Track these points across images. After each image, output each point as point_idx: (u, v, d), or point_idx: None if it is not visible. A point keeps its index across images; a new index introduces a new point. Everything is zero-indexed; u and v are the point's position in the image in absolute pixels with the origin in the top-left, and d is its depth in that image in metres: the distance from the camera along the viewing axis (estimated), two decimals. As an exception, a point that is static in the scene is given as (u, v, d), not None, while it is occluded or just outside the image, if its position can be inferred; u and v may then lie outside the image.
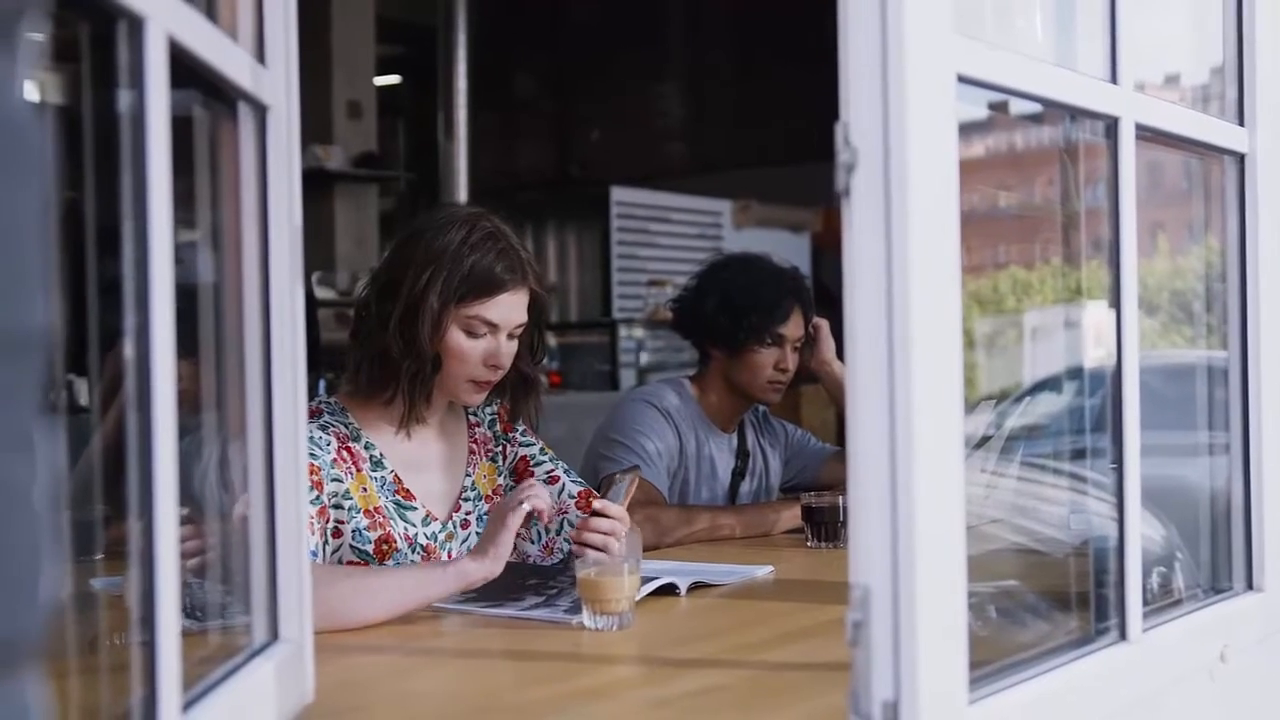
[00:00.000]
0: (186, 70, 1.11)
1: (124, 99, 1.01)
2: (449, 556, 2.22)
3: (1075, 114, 1.55)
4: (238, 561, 1.38)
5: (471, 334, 2.16)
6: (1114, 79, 1.50)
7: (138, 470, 1.00)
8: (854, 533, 1.18)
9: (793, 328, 2.97)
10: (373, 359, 2.17)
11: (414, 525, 2.19)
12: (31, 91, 0.60)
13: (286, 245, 1.37)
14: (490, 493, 2.33)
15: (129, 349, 1.00)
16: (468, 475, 2.31)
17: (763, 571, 2.31)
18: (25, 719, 0.59)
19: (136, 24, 0.98)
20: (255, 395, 1.36)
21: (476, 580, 1.93)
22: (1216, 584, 1.81)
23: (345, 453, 2.15)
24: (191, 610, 1.27)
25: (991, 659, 1.33)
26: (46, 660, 0.62)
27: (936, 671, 1.17)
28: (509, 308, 2.18)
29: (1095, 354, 1.90)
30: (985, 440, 2.03)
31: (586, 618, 1.84)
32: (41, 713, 0.62)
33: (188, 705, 1.09)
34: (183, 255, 1.10)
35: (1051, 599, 1.68)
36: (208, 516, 1.43)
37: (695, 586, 2.15)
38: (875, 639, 1.16)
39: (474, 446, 2.34)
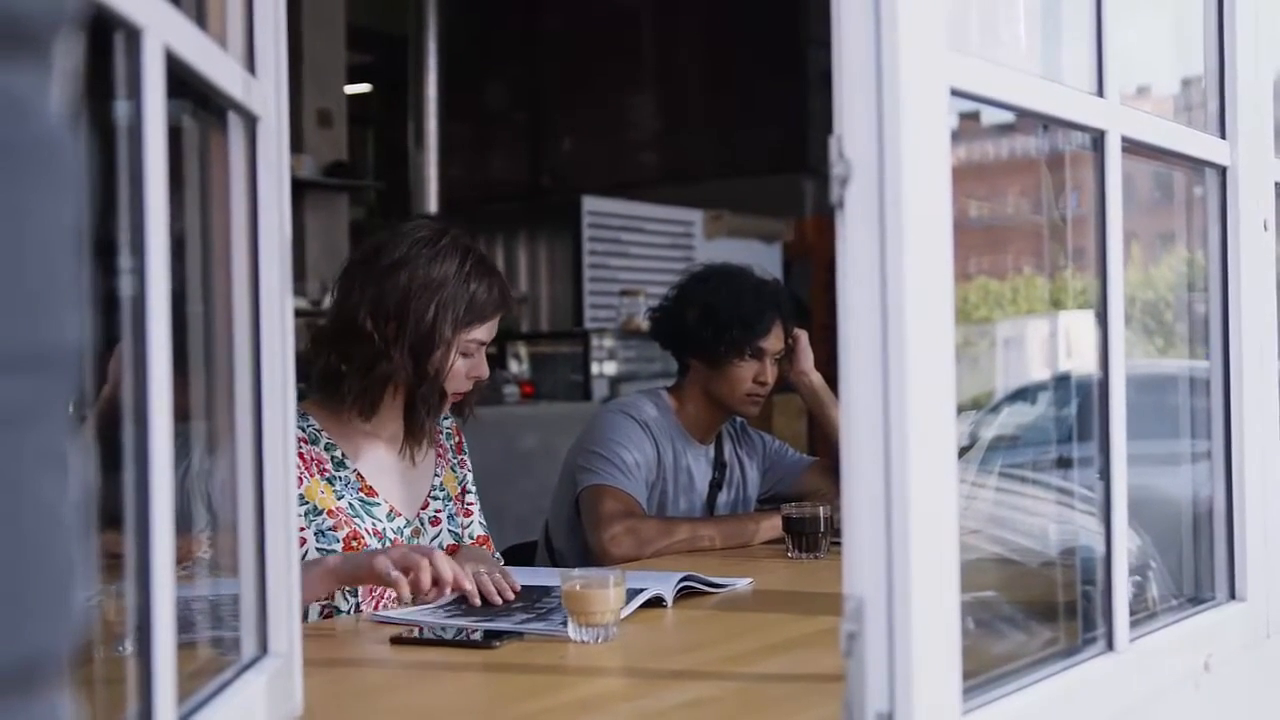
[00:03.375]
0: (178, 80, 1.10)
1: (120, 109, 1.00)
2: None
3: (1063, 127, 1.56)
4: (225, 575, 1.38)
5: (464, 355, 2.27)
6: (1100, 92, 1.51)
7: (134, 484, 0.99)
8: (848, 543, 1.18)
9: (773, 341, 2.97)
10: (379, 381, 2.23)
11: (380, 520, 2.25)
12: (64, 107, 0.60)
13: (276, 255, 1.36)
14: (455, 496, 2.42)
15: (126, 360, 0.99)
16: (436, 475, 2.39)
17: (743, 583, 2.31)
18: None
19: (134, 35, 0.98)
20: (244, 407, 1.35)
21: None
22: (1199, 594, 1.82)
23: (298, 458, 2.16)
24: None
25: (982, 670, 1.33)
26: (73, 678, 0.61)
27: (931, 682, 1.17)
28: (496, 326, 2.32)
29: (1069, 364, 1.91)
30: (963, 451, 2.03)
31: (571, 630, 1.83)
32: None
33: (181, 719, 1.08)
34: (171, 266, 1.09)
35: (1035, 610, 1.69)
36: (195, 528, 1.42)
37: (683, 591, 2.15)
38: (869, 650, 1.16)
39: (440, 450, 2.42)
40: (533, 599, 2.10)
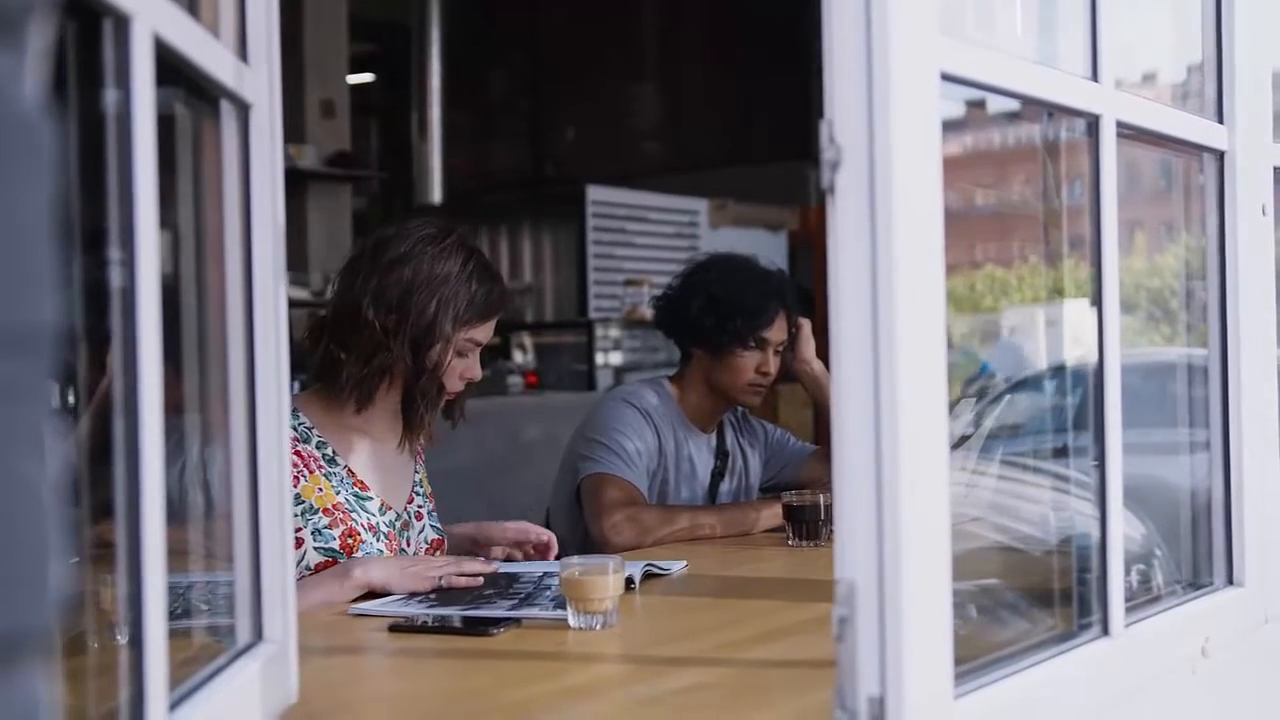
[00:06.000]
0: (169, 68, 1.10)
1: (109, 97, 1.00)
2: (407, 544, 2.34)
3: (1057, 111, 1.56)
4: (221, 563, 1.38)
5: (460, 354, 2.30)
6: (1095, 77, 1.51)
7: (124, 472, 1.00)
8: (839, 528, 1.18)
9: (776, 332, 2.97)
10: (376, 373, 2.25)
11: (373, 515, 2.28)
12: (38, 89, 0.60)
13: (270, 245, 1.37)
14: (429, 494, 2.46)
15: (115, 351, 1.00)
16: (416, 473, 2.43)
17: (677, 567, 2.33)
18: (35, 712, 0.60)
19: (122, 22, 0.98)
20: (238, 396, 1.35)
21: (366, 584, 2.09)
22: (1197, 579, 1.82)
23: (294, 456, 2.18)
24: (173, 611, 1.26)
25: (976, 655, 1.33)
26: (51, 656, 0.62)
27: (922, 666, 1.17)
28: (492, 329, 2.35)
29: (1074, 352, 1.91)
30: (964, 439, 2.03)
31: (571, 617, 1.84)
32: (50, 706, 0.62)
33: (174, 705, 1.09)
34: (163, 256, 1.09)
35: (1034, 596, 1.69)
36: (189, 519, 1.42)
37: (648, 576, 2.20)
38: (861, 634, 1.16)
39: (419, 449, 2.45)
40: (504, 586, 2.11)
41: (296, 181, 6.93)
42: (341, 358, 2.24)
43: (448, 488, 2.61)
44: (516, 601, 1.99)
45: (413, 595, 2.06)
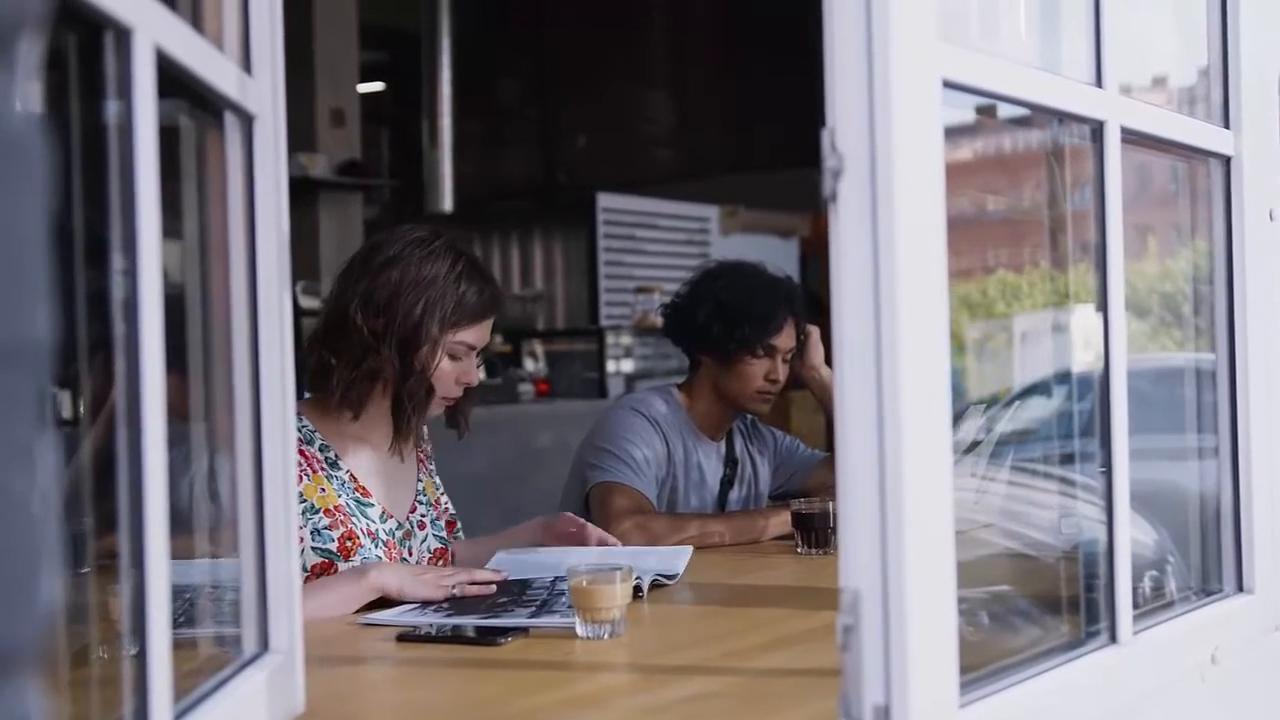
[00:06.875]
0: (172, 80, 1.11)
1: (111, 109, 1.00)
2: (409, 554, 2.34)
3: (1061, 118, 1.55)
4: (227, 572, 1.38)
5: (453, 357, 2.29)
6: (1099, 83, 1.50)
7: (128, 482, 1.00)
8: (844, 537, 1.18)
9: (785, 339, 2.97)
10: (366, 376, 2.24)
11: (374, 521, 2.28)
12: (30, 103, 0.60)
13: (274, 255, 1.37)
14: (434, 501, 2.45)
15: (118, 361, 1.00)
16: (419, 481, 2.42)
17: (683, 558, 2.33)
18: None
19: (124, 34, 0.98)
20: (244, 406, 1.35)
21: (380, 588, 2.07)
22: (1207, 586, 1.81)
23: (298, 456, 2.18)
24: (178, 620, 1.27)
25: (983, 663, 1.33)
26: (43, 670, 0.62)
27: (927, 675, 1.17)
28: (487, 332, 2.33)
29: (1084, 358, 1.90)
30: (975, 445, 2.03)
31: (579, 626, 1.83)
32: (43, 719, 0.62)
33: (179, 716, 1.09)
34: (168, 266, 1.10)
35: (1042, 603, 1.68)
36: (196, 529, 1.42)
37: (655, 586, 2.19)
38: (865, 643, 1.16)
39: (421, 457, 2.46)
40: (517, 594, 2.11)
41: (307, 190, 6.94)
42: (332, 363, 2.24)
43: (461, 495, 2.60)
44: (533, 609, 1.99)
45: (426, 604, 2.06)
